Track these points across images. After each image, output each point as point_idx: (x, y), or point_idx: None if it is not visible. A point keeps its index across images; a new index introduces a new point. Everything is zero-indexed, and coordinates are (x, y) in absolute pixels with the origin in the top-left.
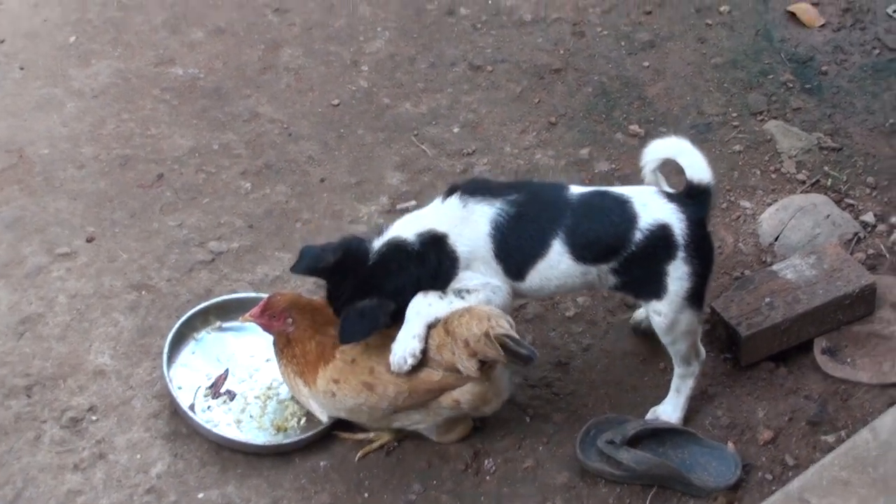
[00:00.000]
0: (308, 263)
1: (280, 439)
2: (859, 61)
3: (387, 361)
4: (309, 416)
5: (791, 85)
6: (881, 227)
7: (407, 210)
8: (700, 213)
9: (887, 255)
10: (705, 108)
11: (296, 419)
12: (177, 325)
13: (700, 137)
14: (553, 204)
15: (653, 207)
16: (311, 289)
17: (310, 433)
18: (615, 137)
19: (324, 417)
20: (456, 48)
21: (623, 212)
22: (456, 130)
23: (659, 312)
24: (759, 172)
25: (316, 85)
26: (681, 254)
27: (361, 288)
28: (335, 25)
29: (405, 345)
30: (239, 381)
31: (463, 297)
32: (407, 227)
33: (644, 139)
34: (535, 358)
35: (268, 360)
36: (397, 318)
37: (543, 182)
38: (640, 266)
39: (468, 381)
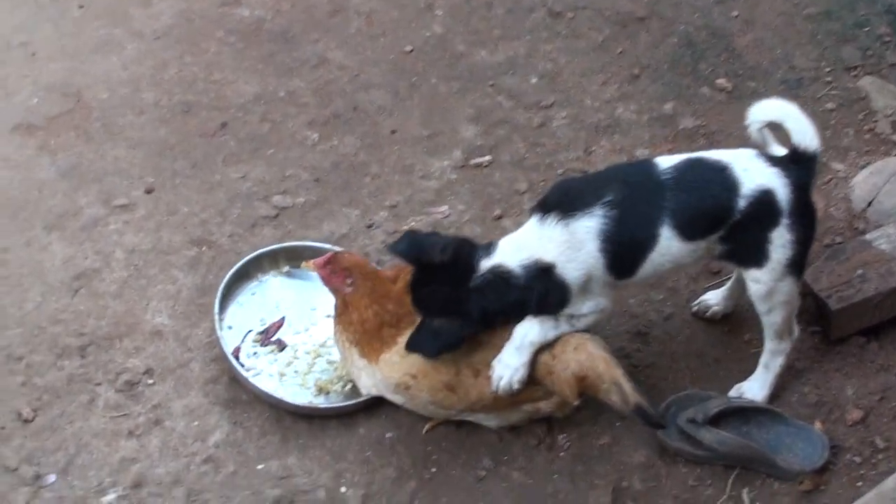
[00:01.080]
0: (412, 250)
1: (318, 402)
2: None
3: (474, 367)
4: (355, 383)
5: (888, 39)
6: None
7: (482, 166)
8: (804, 179)
9: None
10: (796, 61)
11: (341, 383)
12: (242, 262)
13: (791, 93)
14: (649, 189)
15: (754, 172)
16: (379, 248)
17: (351, 401)
18: (701, 91)
19: (372, 392)
20: None
21: (724, 180)
22: (534, 81)
23: (758, 280)
24: (851, 132)
25: (388, 30)
26: (784, 220)
27: (453, 303)
28: None
29: (513, 371)
30: (294, 332)
31: (574, 326)
32: (511, 255)
33: (732, 93)
34: (665, 427)
35: (328, 316)
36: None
37: (630, 166)
38: (744, 233)
39: (553, 395)
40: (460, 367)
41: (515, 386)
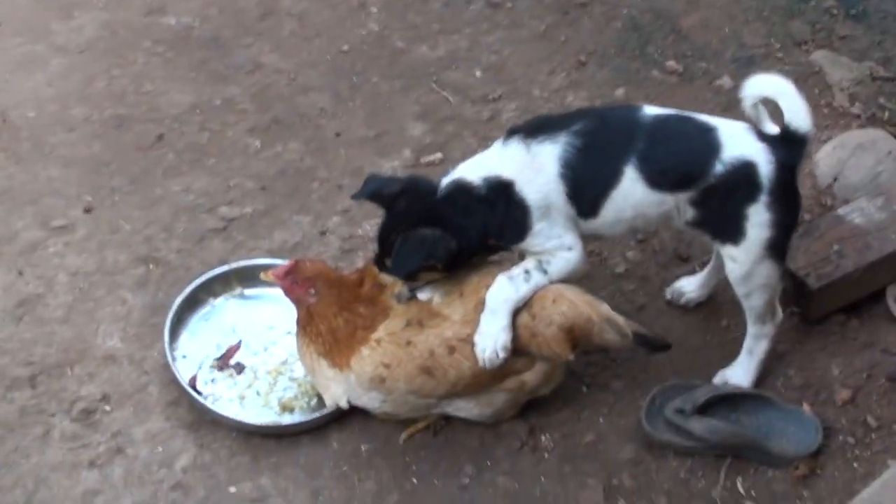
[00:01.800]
0: (373, 188)
1: (283, 420)
2: None
3: (448, 344)
4: (321, 397)
5: (835, 11)
6: None
7: (433, 164)
8: (792, 161)
9: None
10: (746, 39)
11: (305, 399)
12: (190, 288)
13: (743, 71)
14: (624, 127)
15: (740, 141)
16: (336, 255)
17: (316, 415)
18: (651, 75)
19: (343, 403)
20: None
21: (706, 139)
22: (479, 74)
23: (734, 259)
24: (810, 108)
25: (322, 30)
26: (764, 198)
27: (426, 219)
28: None
29: (495, 338)
30: (252, 353)
31: (546, 272)
32: (471, 171)
33: (682, 76)
34: (670, 347)
35: (287, 333)
36: (453, 266)
37: (615, 107)
38: (719, 202)
39: (536, 362)
40: (433, 346)
41: (501, 354)
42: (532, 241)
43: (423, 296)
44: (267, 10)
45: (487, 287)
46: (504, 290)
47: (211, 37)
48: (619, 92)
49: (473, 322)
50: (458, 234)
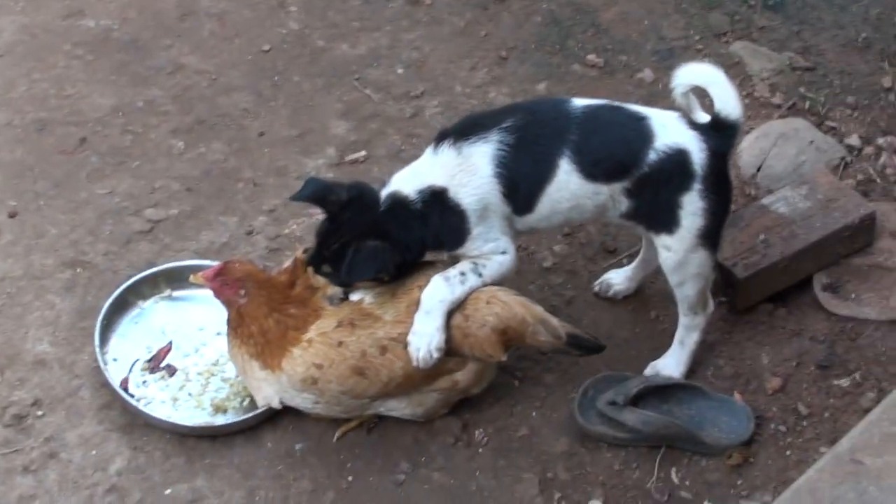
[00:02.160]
0: (316, 191)
1: (217, 421)
2: None
3: (380, 344)
4: (253, 397)
5: (753, 2)
6: (868, 150)
7: (358, 161)
8: (723, 148)
9: (878, 180)
10: (665, 31)
11: (238, 399)
12: (118, 291)
13: (664, 64)
14: (555, 120)
15: (672, 130)
16: (263, 254)
17: (249, 415)
18: (572, 69)
19: (275, 403)
20: None
21: (638, 128)
22: (400, 71)
23: (668, 248)
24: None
25: (242, 30)
26: (697, 186)
27: (371, 232)
28: None
29: (429, 338)
30: (183, 355)
31: (481, 275)
32: (406, 182)
33: (603, 69)
34: (604, 348)
35: (218, 334)
36: (395, 277)
37: (543, 100)
38: (653, 191)
39: (468, 362)
40: (365, 347)
41: (435, 354)
42: (470, 246)
43: (354, 297)
44: (186, 11)
45: (420, 287)
46: (440, 291)
47: (130, 39)
48: (541, 86)
49: (405, 322)
50: (400, 247)
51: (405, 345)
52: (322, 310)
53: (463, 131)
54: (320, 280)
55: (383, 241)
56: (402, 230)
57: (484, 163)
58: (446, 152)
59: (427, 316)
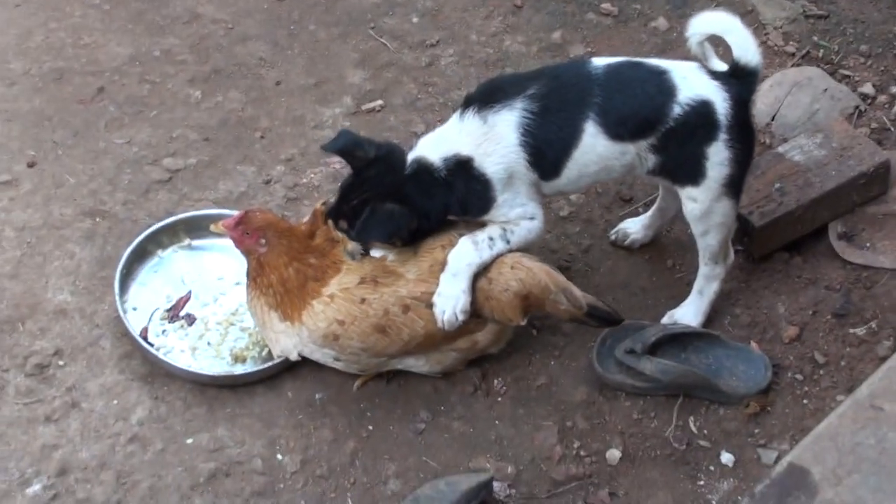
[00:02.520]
0: (346, 145)
1: (236, 370)
2: None
3: (403, 303)
4: None
5: None
6: (882, 98)
7: (374, 111)
8: (745, 95)
9: (892, 129)
10: None
11: (257, 349)
12: (138, 240)
13: (677, 13)
14: (577, 84)
15: (694, 82)
16: (281, 204)
17: (269, 364)
18: (587, 18)
19: (293, 356)
20: None
21: (660, 83)
22: (415, 20)
23: (694, 199)
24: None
25: None
26: (722, 135)
27: (393, 193)
28: None
29: (455, 300)
30: (202, 304)
31: (509, 241)
32: (432, 148)
33: (618, 18)
34: (622, 321)
35: (237, 284)
36: (410, 242)
37: (564, 64)
38: (679, 145)
39: (487, 323)
40: (388, 305)
41: (460, 317)
42: (497, 213)
43: (376, 253)
44: None
45: (443, 247)
46: (468, 253)
47: None
48: (556, 35)
49: (428, 282)
50: (419, 214)
51: (429, 305)
52: (341, 262)
53: (487, 98)
54: (339, 234)
55: (402, 205)
56: (423, 197)
57: (509, 131)
58: (471, 120)
59: (454, 278)
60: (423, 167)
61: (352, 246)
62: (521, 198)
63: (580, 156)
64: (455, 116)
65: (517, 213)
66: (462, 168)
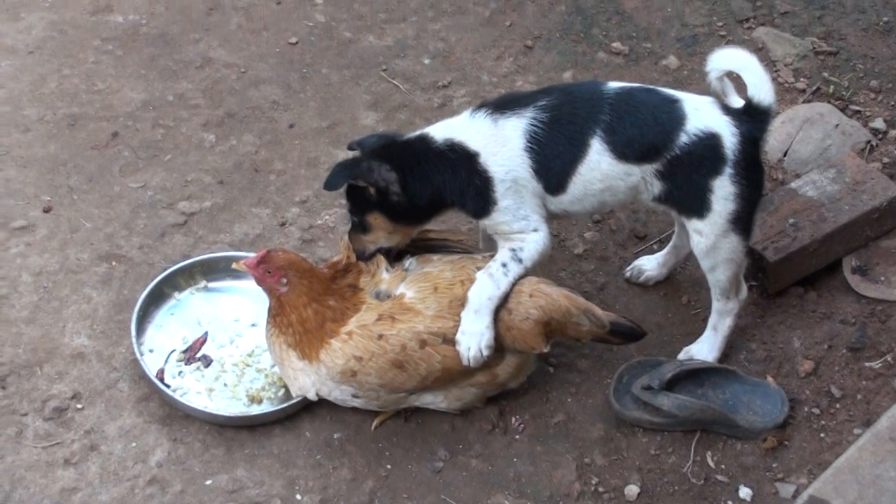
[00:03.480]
0: (346, 180)
1: (252, 411)
2: None
3: (420, 338)
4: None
5: None
6: (893, 133)
7: None
8: (756, 134)
9: None
10: (688, 18)
11: (273, 389)
12: (154, 282)
13: (688, 51)
14: (589, 101)
15: (705, 114)
16: (297, 245)
17: (286, 404)
18: (598, 57)
19: (311, 395)
20: None
21: (671, 110)
22: (427, 62)
23: (700, 232)
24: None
25: (269, 23)
26: (728, 170)
27: (380, 154)
28: None
29: (479, 337)
30: (218, 346)
31: (521, 260)
32: (437, 130)
33: (629, 56)
34: (646, 334)
35: (253, 325)
36: (403, 217)
37: (580, 83)
38: (685, 174)
39: (506, 355)
40: (405, 340)
41: (485, 352)
42: (499, 219)
43: (396, 291)
44: (213, 5)
45: (462, 283)
46: (487, 287)
47: (159, 33)
48: (567, 75)
49: (446, 318)
50: (405, 176)
51: (447, 340)
52: (362, 304)
53: (500, 105)
54: (371, 270)
55: (385, 162)
56: (412, 161)
57: (516, 136)
58: (482, 119)
59: (476, 315)
60: (421, 139)
61: (382, 285)
62: (525, 209)
63: (585, 171)
64: (466, 113)
65: (520, 225)
66: (468, 160)
